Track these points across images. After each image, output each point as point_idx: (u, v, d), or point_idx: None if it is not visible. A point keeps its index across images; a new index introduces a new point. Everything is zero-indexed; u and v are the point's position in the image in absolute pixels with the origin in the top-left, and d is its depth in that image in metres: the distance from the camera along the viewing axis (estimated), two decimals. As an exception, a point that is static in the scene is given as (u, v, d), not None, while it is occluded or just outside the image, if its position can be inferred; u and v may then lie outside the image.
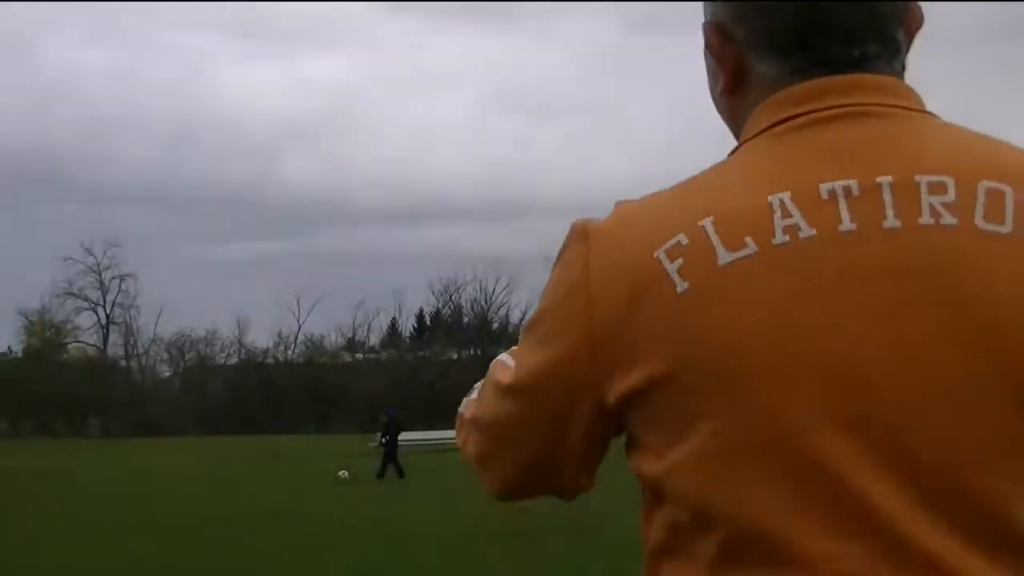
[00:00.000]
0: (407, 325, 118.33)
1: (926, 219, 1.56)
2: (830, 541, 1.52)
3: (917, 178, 1.59)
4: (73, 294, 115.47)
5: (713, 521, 1.57)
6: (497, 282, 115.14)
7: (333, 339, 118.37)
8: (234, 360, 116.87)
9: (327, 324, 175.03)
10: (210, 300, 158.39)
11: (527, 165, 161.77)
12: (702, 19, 1.82)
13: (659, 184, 1.84)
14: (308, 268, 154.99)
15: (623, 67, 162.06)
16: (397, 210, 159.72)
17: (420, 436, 65.25)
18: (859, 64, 1.68)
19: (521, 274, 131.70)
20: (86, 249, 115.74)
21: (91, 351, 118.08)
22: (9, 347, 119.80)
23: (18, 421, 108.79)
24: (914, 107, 1.68)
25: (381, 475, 36.36)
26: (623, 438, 1.80)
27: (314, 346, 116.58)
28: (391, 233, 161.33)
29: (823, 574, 1.51)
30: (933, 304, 1.54)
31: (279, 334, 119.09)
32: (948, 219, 1.56)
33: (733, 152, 1.74)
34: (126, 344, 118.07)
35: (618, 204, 1.73)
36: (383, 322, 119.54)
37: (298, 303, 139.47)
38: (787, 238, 1.57)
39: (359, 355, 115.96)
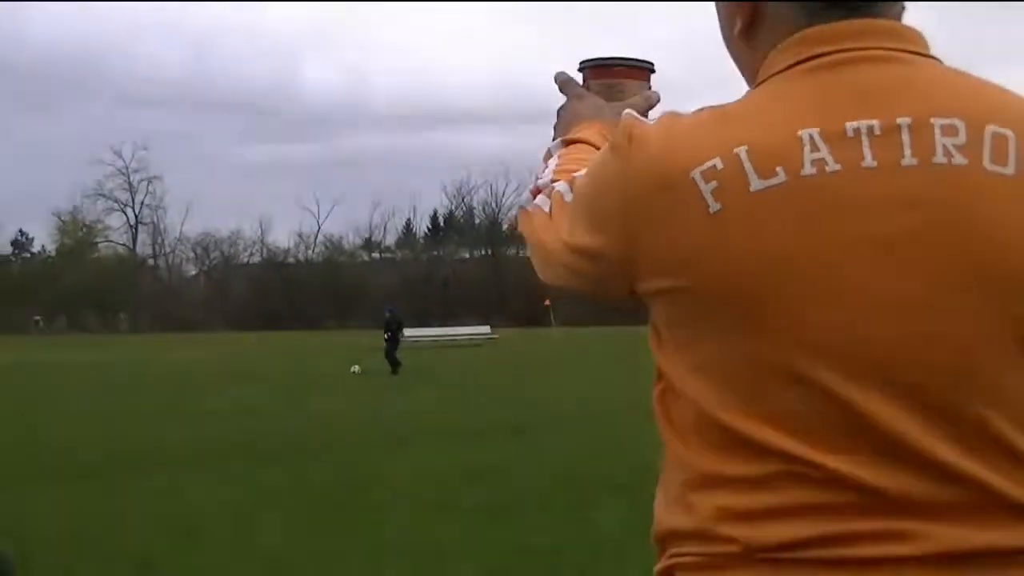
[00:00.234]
0: (421, 226, 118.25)
1: (939, 159, 1.63)
2: (826, 447, 1.62)
3: (932, 120, 1.66)
4: (103, 195, 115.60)
5: (714, 422, 1.67)
6: (507, 185, 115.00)
7: (351, 239, 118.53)
8: (257, 259, 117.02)
9: (345, 225, 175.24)
10: (234, 202, 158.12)
11: (540, 71, 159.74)
12: None
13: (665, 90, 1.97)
14: (327, 171, 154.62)
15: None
16: (413, 115, 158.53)
17: (430, 332, 65.33)
18: (868, 7, 1.73)
19: (531, 178, 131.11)
20: (115, 152, 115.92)
21: (120, 250, 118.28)
22: (43, 246, 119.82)
23: (52, 317, 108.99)
24: (921, 52, 1.75)
25: (394, 371, 36.24)
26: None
27: (333, 246, 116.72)
28: (407, 137, 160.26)
29: (821, 474, 1.61)
30: (943, 238, 1.62)
31: (300, 234, 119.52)
32: (959, 159, 1.64)
33: (756, 87, 1.79)
34: (154, 244, 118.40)
35: (665, 114, 1.78)
36: (398, 223, 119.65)
37: (318, 205, 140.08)
38: (814, 171, 1.63)
39: (376, 254, 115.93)
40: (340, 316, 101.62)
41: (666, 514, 1.77)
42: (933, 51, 1.78)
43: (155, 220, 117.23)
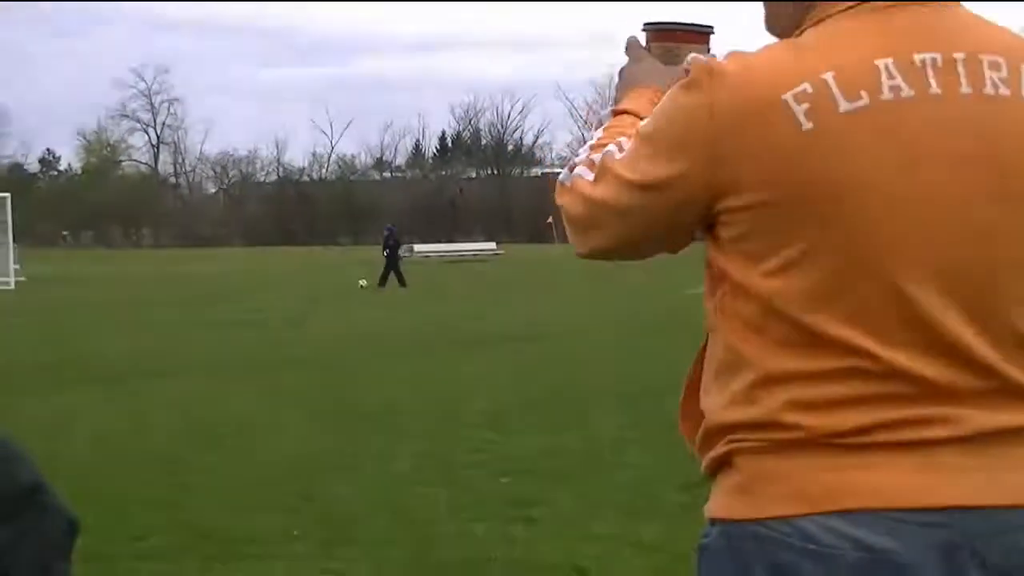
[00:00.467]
0: (430, 146, 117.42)
1: (989, 90, 1.82)
2: (887, 341, 1.79)
3: (980, 56, 1.84)
4: (126, 116, 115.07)
5: (791, 323, 1.80)
6: (512, 107, 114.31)
7: (363, 159, 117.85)
8: (273, 178, 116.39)
9: (357, 145, 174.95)
10: (251, 122, 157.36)
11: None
12: None
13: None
14: (340, 93, 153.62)
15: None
16: (423, 39, 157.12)
17: (439, 248, 65.28)
18: None
19: (535, 100, 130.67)
20: (138, 74, 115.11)
21: (143, 169, 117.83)
22: (69, 164, 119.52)
23: (78, 232, 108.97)
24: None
25: (402, 284, 36.19)
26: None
27: (346, 165, 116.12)
28: (417, 61, 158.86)
29: (881, 367, 1.78)
30: (993, 159, 1.81)
31: (314, 154, 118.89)
32: (1004, 91, 1.84)
33: (816, 24, 1.90)
34: (175, 163, 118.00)
35: (732, 53, 1.87)
36: (408, 143, 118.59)
37: (331, 126, 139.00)
38: (892, 96, 1.79)
39: (386, 174, 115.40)
40: (353, 233, 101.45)
41: (724, 410, 1.86)
42: None
43: (176, 140, 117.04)
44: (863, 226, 1.78)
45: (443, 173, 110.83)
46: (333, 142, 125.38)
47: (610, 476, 8.12)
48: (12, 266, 41.47)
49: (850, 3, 1.87)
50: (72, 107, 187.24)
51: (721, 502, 1.88)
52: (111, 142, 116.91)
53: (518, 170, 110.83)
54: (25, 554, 1.56)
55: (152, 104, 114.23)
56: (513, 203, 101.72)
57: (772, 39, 1.99)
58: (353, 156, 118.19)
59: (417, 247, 64.36)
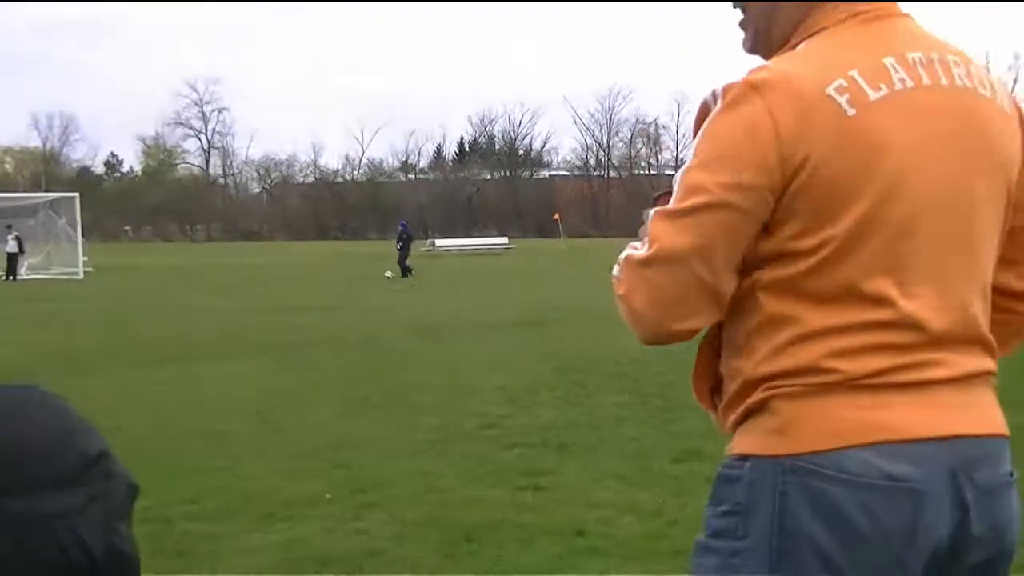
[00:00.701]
0: (450, 151, 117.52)
1: (959, 82, 1.98)
2: (912, 294, 1.92)
3: (946, 56, 2.00)
4: (181, 124, 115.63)
5: (836, 283, 1.90)
6: (522, 116, 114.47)
7: (390, 162, 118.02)
8: (310, 179, 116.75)
9: (385, 149, 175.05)
10: (290, 129, 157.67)
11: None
12: None
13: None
14: (370, 103, 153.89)
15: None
16: (442, 57, 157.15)
17: (457, 242, 65.38)
18: None
19: (540, 112, 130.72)
20: (191, 86, 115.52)
21: (196, 171, 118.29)
22: (131, 167, 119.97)
23: (138, 228, 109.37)
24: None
25: (404, 274, 36.18)
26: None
27: (375, 168, 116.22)
28: (438, 74, 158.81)
29: (900, 312, 1.90)
30: (973, 135, 1.98)
31: (346, 157, 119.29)
32: (967, 83, 1.99)
33: (817, 34, 2.00)
34: (223, 165, 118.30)
35: (764, 67, 1.96)
36: (430, 148, 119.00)
37: (362, 132, 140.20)
38: (901, 86, 1.92)
39: (411, 175, 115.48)
40: (380, 229, 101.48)
41: (764, 363, 1.93)
42: None
43: (224, 145, 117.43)
44: (899, 193, 1.90)
45: (461, 175, 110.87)
46: (364, 147, 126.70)
47: (610, 449, 8.12)
48: (81, 258, 41.59)
49: (840, 18, 1.99)
50: (133, 115, 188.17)
51: (757, 441, 1.94)
52: (167, 147, 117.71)
53: (528, 172, 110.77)
54: (93, 515, 1.55)
55: (204, 113, 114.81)
56: (523, 202, 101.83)
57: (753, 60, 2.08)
58: (381, 160, 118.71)
59: (438, 242, 64.46)
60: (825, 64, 1.91)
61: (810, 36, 1.99)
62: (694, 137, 1.96)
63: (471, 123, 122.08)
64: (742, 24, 2.13)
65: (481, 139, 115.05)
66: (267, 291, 29.58)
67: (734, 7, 2.13)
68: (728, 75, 2.12)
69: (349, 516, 6.39)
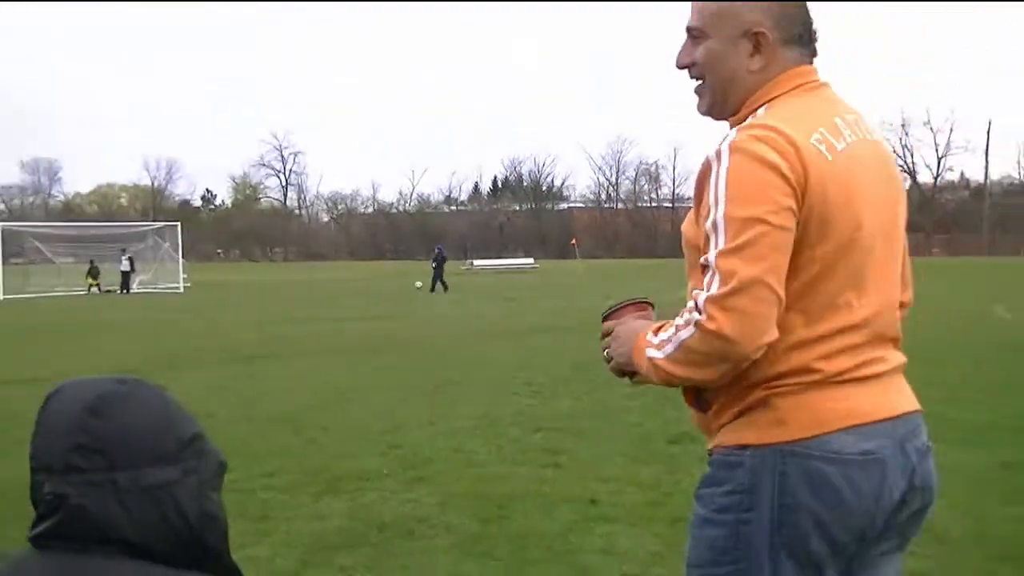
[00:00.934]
0: (485, 187, 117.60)
1: (870, 137, 2.08)
2: (865, 303, 2.00)
3: (856, 117, 2.09)
4: (264, 165, 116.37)
5: (819, 296, 1.96)
6: (545, 159, 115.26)
7: (436, 196, 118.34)
8: (370, 210, 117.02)
9: (432, 185, 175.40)
10: (354, 168, 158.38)
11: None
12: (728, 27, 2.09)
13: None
14: (420, 147, 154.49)
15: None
16: (479, 112, 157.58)
17: (491, 262, 65.39)
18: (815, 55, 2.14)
19: (560, 156, 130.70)
20: (272, 134, 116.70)
21: (275, 203, 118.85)
22: (222, 200, 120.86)
23: (228, 250, 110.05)
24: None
25: (434, 289, 35.90)
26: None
27: (423, 201, 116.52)
28: (476, 125, 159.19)
29: (858, 317, 1.98)
30: (887, 177, 2.09)
31: (400, 192, 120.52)
32: (875, 136, 2.11)
33: (777, 98, 2.05)
34: (298, 199, 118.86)
35: (757, 124, 1.96)
36: (469, 185, 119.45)
37: (412, 172, 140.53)
38: (850, 139, 2.01)
39: (453, 207, 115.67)
40: (427, 251, 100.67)
41: (765, 368, 1.94)
42: None
43: (299, 182, 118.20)
44: (862, 222, 1.97)
45: (495, 207, 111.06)
46: (414, 184, 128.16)
47: (617, 432, 8.09)
48: (181, 275, 41.95)
49: (788, 88, 2.05)
50: (225, 158, 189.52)
51: (756, 432, 1.97)
52: (252, 184, 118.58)
53: (550, 204, 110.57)
54: (188, 487, 1.56)
55: (282, 156, 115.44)
56: (546, 229, 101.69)
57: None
58: (428, 194, 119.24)
59: (475, 262, 64.47)
60: (800, 122, 1.95)
61: (766, 103, 2.03)
62: (702, 190, 1.95)
63: (503, 164, 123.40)
64: (698, 91, 2.15)
65: (511, 177, 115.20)
66: (333, 302, 29.68)
67: (691, 77, 2.15)
68: (714, 125, 2.21)
69: (401, 488, 6.40)
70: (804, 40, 2.08)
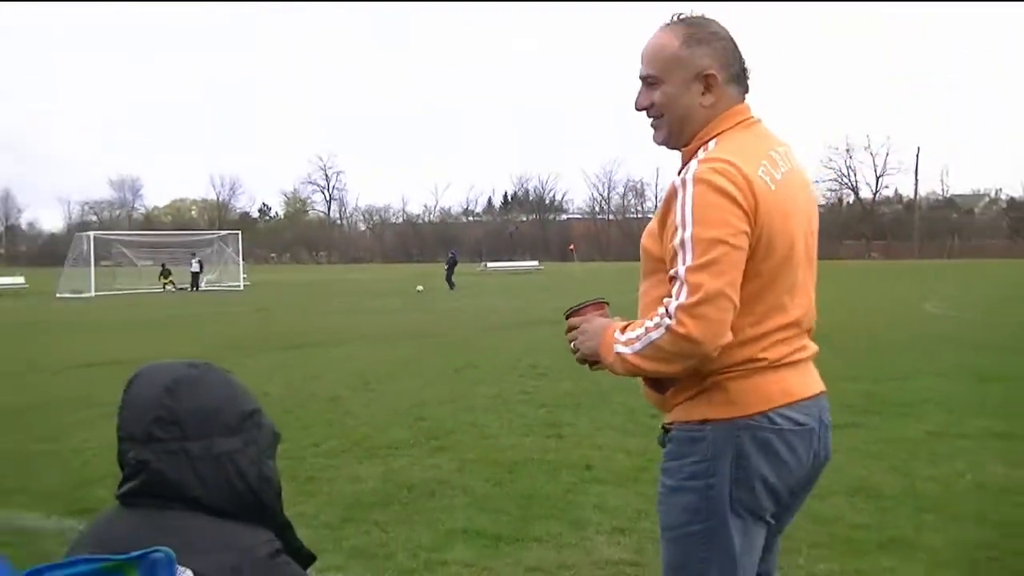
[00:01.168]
0: (497, 200, 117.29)
1: (796, 167, 2.09)
2: (795, 304, 2.05)
3: (786, 149, 2.10)
4: (311, 182, 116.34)
5: (765, 301, 1.99)
6: (548, 176, 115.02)
7: (455, 208, 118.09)
8: (400, 220, 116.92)
9: (452, 199, 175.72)
10: (386, 185, 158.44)
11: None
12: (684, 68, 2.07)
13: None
14: (441, 166, 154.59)
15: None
16: (492, 139, 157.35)
17: (502, 264, 65.32)
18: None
19: (560, 175, 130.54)
20: (318, 156, 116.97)
21: (320, 215, 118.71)
22: (276, 212, 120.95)
23: (280, 254, 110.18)
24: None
25: (452, 287, 35.79)
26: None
27: (444, 212, 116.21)
28: (489, 151, 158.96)
29: (792, 316, 2.04)
30: (807, 200, 2.11)
31: (425, 205, 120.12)
32: (800, 167, 2.12)
33: (722, 134, 2.05)
34: (340, 211, 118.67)
35: (714, 158, 1.95)
36: (484, 199, 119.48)
37: (436, 187, 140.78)
38: (784, 170, 2.03)
39: (470, 218, 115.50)
40: (447, 255, 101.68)
41: (727, 357, 1.95)
42: None
43: (340, 197, 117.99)
44: (795, 240, 2.01)
45: (505, 217, 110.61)
46: (437, 198, 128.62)
47: (609, 408, 8.09)
48: (241, 275, 42.02)
49: (731, 125, 2.04)
50: (279, 176, 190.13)
51: (713, 409, 1.99)
52: (301, 198, 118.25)
53: (552, 215, 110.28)
54: (249, 455, 1.57)
55: (326, 174, 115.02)
56: (549, 236, 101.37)
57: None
58: (449, 207, 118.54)
59: (489, 264, 64.40)
60: (748, 156, 1.96)
61: (714, 136, 2.03)
62: (668, 211, 1.96)
63: (512, 181, 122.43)
64: (655, 125, 2.13)
65: (519, 192, 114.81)
66: (369, 298, 29.69)
67: (651, 122, 2.14)
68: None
69: (426, 455, 6.40)
70: (741, 78, 2.09)
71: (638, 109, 2.13)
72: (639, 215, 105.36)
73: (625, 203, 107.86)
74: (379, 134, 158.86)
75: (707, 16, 2.10)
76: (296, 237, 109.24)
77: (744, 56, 2.10)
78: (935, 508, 4.94)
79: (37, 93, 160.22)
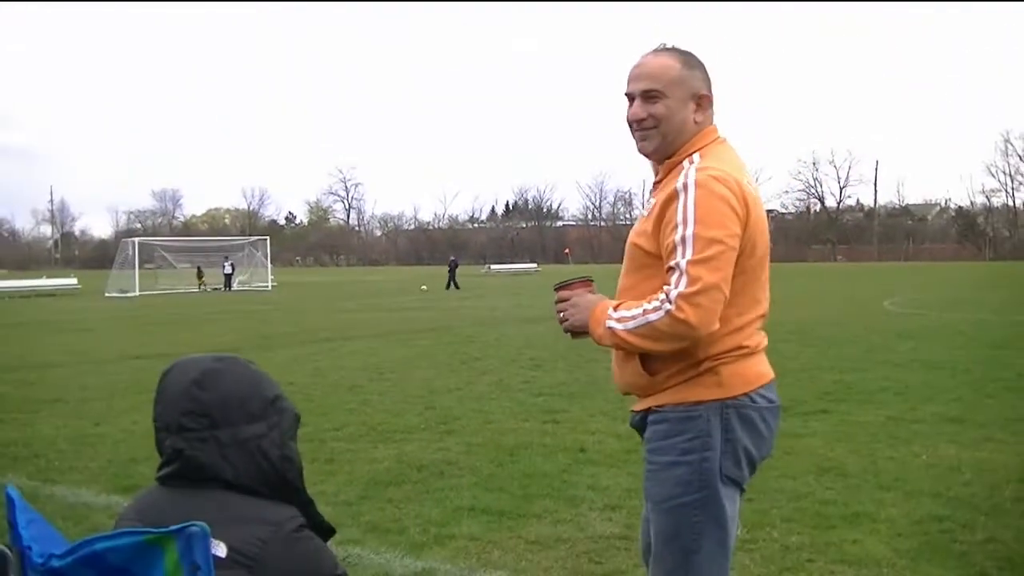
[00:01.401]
0: (500, 208, 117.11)
1: (754, 182, 2.10)
2: (765, 298, 2.11)
3: (745, 166, 2.11)
4: (332, 193, 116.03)
5: (746, 297, 2.03)
6: (546, 187, 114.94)
7: (462, 216, 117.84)
8: (412, 226, 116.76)
9: (459, 207, 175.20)
10: (400, 194, 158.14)
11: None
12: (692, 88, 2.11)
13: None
14: (451, 177, 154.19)
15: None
16: (496, 154, 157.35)
17: (503, 266, 65.27)
18: None
19: (556, 185, 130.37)
20: (339, 169, 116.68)
21: (340, 222, 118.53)
22: (300, 220, 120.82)
23: (305, 258, 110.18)
24: None
25: (449, 287, 35.46)
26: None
27: (452, 219, 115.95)
28: (494, 161, 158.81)
29: (763, 309, 2.11)
30: (764, 215, 2.10)
31: (435, 213, 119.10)
32: (752, 178, 2.12)
33: (706, 147, 2.07)
34: (358, 218, 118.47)
35: (709, 167, 1.99)
36: (488, 207, 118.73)
37: (445, 196, 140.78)
38: (753, 185, 2.07)
39: (475, 224, 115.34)
40: (454, 258, 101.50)
41: (712, 346, 2.00)
42: None
43: (358, 206, 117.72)
44: (766, 244, 2.06)
45: (507, 224, 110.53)
46: (446, 206, 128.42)
47: (601, 396, 8.07)
48: (270, 277, 41.98)
49: (709, 141, 2.07)
50: (303, 187, 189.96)
51: (706, 391, 2.02)
52: (323, 207, 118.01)
53: (549, 222, 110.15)
54: (272, 439, 1.57)
55: (346, 186, 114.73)
56: (546, 241, 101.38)
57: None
58: (457, 214, 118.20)
59: (492, 266, 64.36)
60: (735, 168, 2.02)
61: (697, 150, 2.05)
62: (666, 211, 1.98)
63: (513, 191, 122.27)
64: (645, 135, 2.13)
65: (520, 201, 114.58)
66: (384, 297, 29.67)
67: (639, 132, 2.13)
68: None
69: (435, 439, 6.39)
70: (713, 101, 2.14)
71: (635, 120, 2.11)
72: (628, 222, 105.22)
73: (615, 211, 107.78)
74: (393, 148, 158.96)
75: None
76: (318, 242, 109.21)
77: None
78: (894, 486, 4.94)
79: (88, 113, 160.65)
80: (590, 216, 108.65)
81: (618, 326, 1.98)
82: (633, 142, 2.16)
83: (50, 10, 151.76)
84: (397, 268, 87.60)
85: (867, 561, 3.77)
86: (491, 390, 8.66)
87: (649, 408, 2.11)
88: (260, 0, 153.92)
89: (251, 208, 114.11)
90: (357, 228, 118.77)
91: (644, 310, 1.95)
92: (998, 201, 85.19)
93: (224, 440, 1.52)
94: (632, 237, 2.12)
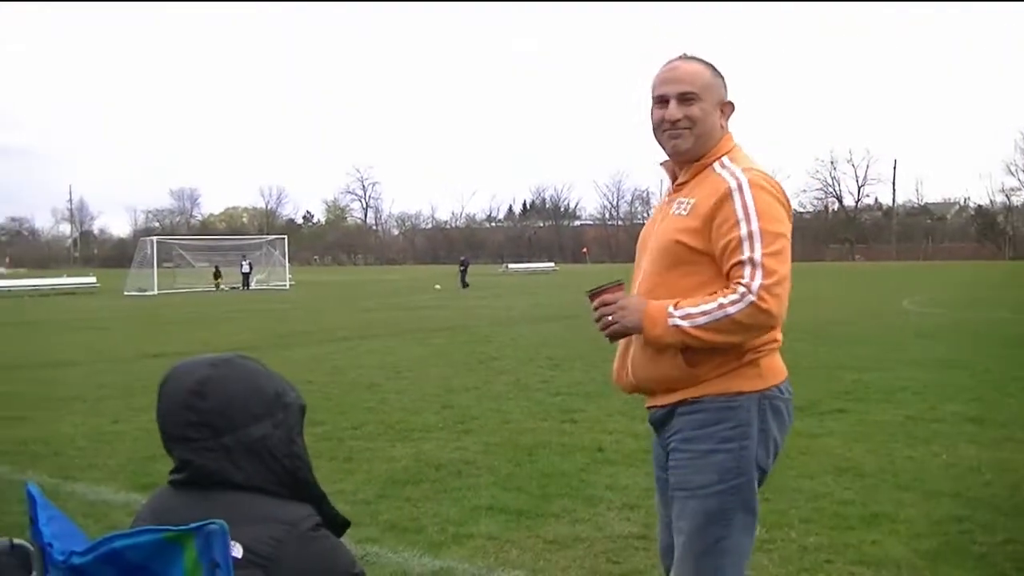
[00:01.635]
0: (518, 207, 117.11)
1: None
2: None
3: None
4: (350, 192, 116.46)
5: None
6: (563, 186, 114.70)
7: (480, 215, 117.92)
8: (430, 225, 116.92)
9: (477, 206, 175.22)
10: (418, 194, 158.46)
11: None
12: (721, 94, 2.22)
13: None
14: (469, 177, 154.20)
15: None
16: (513, 153, 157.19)
17: (521, 265, 65.24)
18: None
19: (574, 184, 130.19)
20: (356, 168, 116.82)
21: (358, 221, 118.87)
22: (318, 219, 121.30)
23: (323, 257, 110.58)
24: None
25: (465, 287, 35.64)
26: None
27: (470, 218, 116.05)
28: (512, 161, 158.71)
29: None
30: None
31: (452, 212, 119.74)
32: None
33: (731, 150, 2.17)
34: (375, 217, 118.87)
35: (755, 169, 2.10)
36: (505, 206, 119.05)
37: (462, 195, 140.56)
38: None
39: (492, 223, 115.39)
40: (472, 258, 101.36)
41: (761, 337, 2.09)
42: None
43: (376, 205, 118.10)
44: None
45: (525, 223, 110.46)
46: (463, 205, 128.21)
47: (619, 396, 8.03)
48: (288, 276, 42.17)
49: (732, 145, 2.17)
50: (320, 186, 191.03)
51: (747, 382, 2.09)
52: (341, 206, 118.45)
53: (566, 222, 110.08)
54: (279, 435, 1.56)
55: (363, 185, 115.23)
56: (563, 240, 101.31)
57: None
58: (474, 213, 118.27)
59: (510, 265, 64.32)
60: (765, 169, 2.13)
61: (725, 153, 2.14)
62: (718, 210, 2.05)
63: (530, 190, 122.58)
64: (680, 135, 2.17)
65: (537, 200, 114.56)
66: (401, 296, 29.73)
67: (673, 132, 2.18)
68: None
69: (453, 438, 6.39)
70: (735, 109, 2.24)
71: (672, 120, 2.17)
72: (646, 221, 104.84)
73: (632, 210, 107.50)
74: (410, 147, 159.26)
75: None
76: (336, 241, 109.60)
77: None
78: (913, 486, 4.89)
79: (107, 113, 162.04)
80: (607, 215, 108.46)
81: (685, 323, 2.01)
82: (654, 143, 2.24)
83: (74, 10, 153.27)
84: (414, 267, 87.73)
85: (886, 562, 3.73)
86: (508, 389, 8.65)
87: (681, 400, 2.13)
88: (280, 0, 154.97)
89: (269, 207, 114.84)
90: (375, 227, 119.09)
91: (720, 304, 1.99)
92: (1018, 200, 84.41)
93: (230, 446, 1.52)
94: (671, 235, 2.13)
